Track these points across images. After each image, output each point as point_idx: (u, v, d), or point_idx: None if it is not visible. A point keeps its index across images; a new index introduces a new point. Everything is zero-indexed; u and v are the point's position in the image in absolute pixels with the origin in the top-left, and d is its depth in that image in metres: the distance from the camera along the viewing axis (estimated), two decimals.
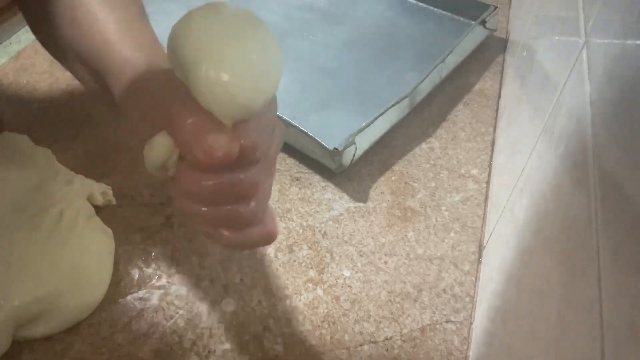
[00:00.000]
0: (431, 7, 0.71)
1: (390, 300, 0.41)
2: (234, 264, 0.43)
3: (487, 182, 0.50)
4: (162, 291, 0.41)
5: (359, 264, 0.43)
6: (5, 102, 0.57)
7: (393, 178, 0.50)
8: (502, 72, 0.62)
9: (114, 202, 0.46)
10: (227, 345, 0.38)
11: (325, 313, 0.40)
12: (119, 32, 0.31)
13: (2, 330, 0.35)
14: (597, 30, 0.30)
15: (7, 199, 0.40)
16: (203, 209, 0.25)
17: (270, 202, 0.28)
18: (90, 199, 0.44)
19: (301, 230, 0.45)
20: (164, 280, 0.42)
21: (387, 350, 0.38)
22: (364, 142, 0.49)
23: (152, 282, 0.41)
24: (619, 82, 0.24)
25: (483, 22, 0.61)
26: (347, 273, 0.43)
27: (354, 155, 0.49)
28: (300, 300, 0.41)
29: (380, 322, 0.40)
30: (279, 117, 0.49)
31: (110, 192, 0.46)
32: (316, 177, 0.50)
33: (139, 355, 0.37)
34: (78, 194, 0.43)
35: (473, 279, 0.42)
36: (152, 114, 0.26)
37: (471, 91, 0.60)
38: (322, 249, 0.44)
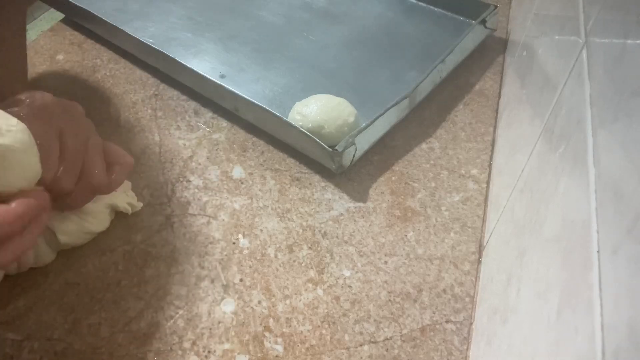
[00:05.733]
0: (431, 7, 0.71)
1: (390, 300, 0.41)
2: (234, 263, 0.43)
3: (487, 182, 0.50)
4: (162, 291, 0.41)
5: (359, 264, 0.43)
6: None
7: (393, 178, 0.50)
8: (502, 72, 0.62)
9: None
10: (227, 345, 0.38)
11: (325, 313, 0.40)
12: None
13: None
14: (597, 30, 0.30)
15: None
16: None
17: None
18: (114, 207, 0.44)
19: (301, 230, 0.45)
20: (164, 280, 0.42)
21: (387, 350, 0.38)
22: (364, 142, 0.49)
23: (152, 282, 0.41)
24: (619, 82, 0.24)
25: (483, 22, 0.61)
26: (347, 273, 0.43)
27: (353, 155, 0.49)
28: (300, 300, 0.41)
29: (380, 322, 0.40)
30: (279, 118, 0.49)
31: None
32: (316, 177, 0.50)
33: (139, 355, 0.37)
34: None
35: (473, 279, 0.42)
36: None
37: (471, 91, 0.60)
38: (322, 249, 0.44)
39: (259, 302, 0.41)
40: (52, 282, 0.41)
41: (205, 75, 0.54)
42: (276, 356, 0.38)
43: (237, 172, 0.50)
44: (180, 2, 0.71)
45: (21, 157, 0.32)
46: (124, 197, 0.45)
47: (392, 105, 0.51)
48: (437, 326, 0.39)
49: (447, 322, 0.40)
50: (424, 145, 0.53)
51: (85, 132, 0.38)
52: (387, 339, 0.39)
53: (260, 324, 0.39)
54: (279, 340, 0.38)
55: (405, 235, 0.45)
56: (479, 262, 0.44)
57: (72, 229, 0.41)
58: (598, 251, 0.21)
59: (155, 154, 0.52)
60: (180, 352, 0.38)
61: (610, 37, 0.27)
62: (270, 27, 0.68)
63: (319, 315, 0.40)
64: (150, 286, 0.41)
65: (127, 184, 0.46)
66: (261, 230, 0.45)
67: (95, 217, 0.43)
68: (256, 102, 0.50)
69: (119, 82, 0.60)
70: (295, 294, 0.41)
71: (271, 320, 0.40)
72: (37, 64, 0.62)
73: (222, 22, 0.68)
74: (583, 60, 0.30)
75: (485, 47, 0.64)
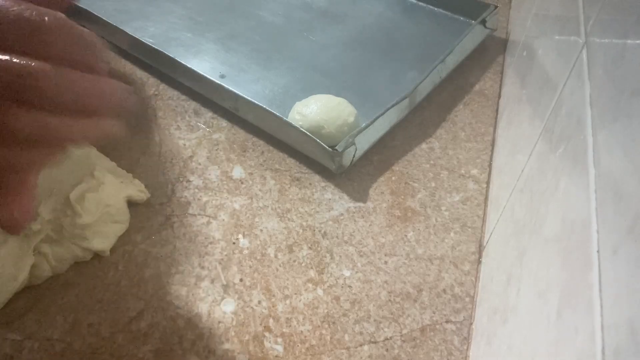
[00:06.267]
0: (431, 7, 0.71)
1: (390, 300, 0.41)
2: (234, 263, 0.43)
3: (487, 182, 0.50)
4: (162, 291, 0.41)
5: (359, 264, 0.43)
6: None
7: (393, 178, 0.50)
8: (502, 72, 0.62)
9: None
10: (227, 345, 0.38)
11: (325, 313, 0.40)
12: None
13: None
14: (597, 30, 0.30)
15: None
16: None
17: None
18: (130, 198, 0.45)
19: (301, 230, 0.45)
20: (164, 280, 0.42)
21: (387, 350, 0.38)
22: (364, 142, 0.49)
23: (152, 282, 0.41)
24: (619, 82, 0.24)
25: (483, 22, 0.61)
26: (347, 273, 0.43)
27: (353, 155, 0.49)
28: (300, 300, 0.41)
29: (380, 322, 0.40)
30: (279, 118, 0.49)
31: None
32: (316, 177, 0.50)
33: (139, 355, 0.37)
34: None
35: (473, 279, 0.42)
36: None
37: (471, 91, 0.60)
38: (322, 249, 0.44)
39: (259, 302, 0.41)
40: (52, 282, 0.41)
41: (205, 75, 0.54)
42: (276, 356, 0.38)
43: (237, 172, 0.50)
44: (180, 2, 0.71)
45: None
46: (133, 187, 0.46)
47: (392, 105, 0.51)
48: (437, 326, 0.39)
49: (447, 322, 0.40)
50: (424, 145, 0.53)
51: None
52: (387, 339, 0.39)
53: (260, 324, 0.39)
54: (279, 340, 0.38)
55: (405, 235, 0.45)
56: (479, 262, 0.44)
57: (109, 233, 0.43)
58: (598, 251, 0.21)
59: (155, 154, 0.52)
60: (180, 352, 0.38)
61: (610, 37, 0.27)
62: (270, 27, 0.68)
63: (319, 315, 0.40)
64: (150, 286, 0.41)
65: (128, 176, 0.47)
66: (261, 230, 0.45)
67: (124, 214, 0.44)
68: (256, 102, 0.51)
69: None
70: (295, 294, 0.41)
71: (271, 320, 0.39)
72: None
73: (222, 22, 0.68)
74: (583, 60, 0.30)
75: (485, 47, 0.64)
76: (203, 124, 0.55)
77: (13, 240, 0.37)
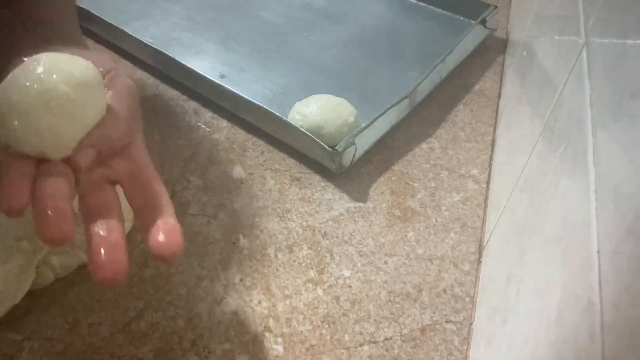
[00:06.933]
0: (431, 7, 0.71)
1: (390, 300, 0.41)
2: (234, 263, 0.43)
3: (487, 182, 0.50)
4: (162, 291, 0.41)
5: (359, 264, 0.43)
6: None
7: (393, 178, 0.50)
8: (502, 72, 0.62)
9: None
10: (227, 345, 0.38)
11: (325, 313, 0.40)
12: None
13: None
14: (597, 30, 0.30)
15: None
16: None
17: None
18: None
19: (301, 230, 0.45)
20: (164, 280, 0.42)
21: (387, 350, 0.38)
22: (364, 142, 0.49)
23: (152, 282, 0.41)
24: (619, 82, 0.24)
25: (483, 22, 0.61)
26: (347, 273, 0.43)
27: (353, 155, 0.49)
28: (300, 300, 0.41)
29: (380, 322, 0.40)
30: (279, 118, 0.49)
31: None
32: (316, 177, 0.50)
33: (139, 355, 0.37)
34: None
35: (473, 279, 0.42)
36: None
37: (471, 91, 0.60)
38: (322, 249, 0.44)
39: (259, 302, 0.41)
40: (52, 282, 0.41)
41: (205, 75, 0.54)
42: (276, 356, 0.38)
43: (237, 172, 0.50)
44: (181, 2, 0.71)
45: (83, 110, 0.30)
46: None
47: (392, 105, 0.51)
48: (437, 326, 0.39)
49: (447, 322, 0.40)
50: (424, 145, 0.53)
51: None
52: (387, 339, 0.39)
53: (260, 324, 0.39)
54: (279, 340, 0.38)
55: (405, 235, 0.45)
56: (479, 262, 0.44)
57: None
58: (598, 251, 0.21)
59: (155, 154, 0.52)
60: (180, 352, 0.38)
61: (610, 37, 0.27)
62: (270, 27, 0.68)
63: (319, 315, 0.40)
64: (150, 286, 0.41)
65: None
66: (261, 230, 0.45)
67: (129, 212, 0.44)
68: (256, 102, 0.51)
69: None
70: (295, 294, 0.41)
71: (271, 320, 0.40)
72: None
73: (222, 22, 0.68)
74: (583, 60, 0.30)
75: (485, 47, 0.64)
76: (203, 124, 0.55)
77: (17, 257, 0.37)
